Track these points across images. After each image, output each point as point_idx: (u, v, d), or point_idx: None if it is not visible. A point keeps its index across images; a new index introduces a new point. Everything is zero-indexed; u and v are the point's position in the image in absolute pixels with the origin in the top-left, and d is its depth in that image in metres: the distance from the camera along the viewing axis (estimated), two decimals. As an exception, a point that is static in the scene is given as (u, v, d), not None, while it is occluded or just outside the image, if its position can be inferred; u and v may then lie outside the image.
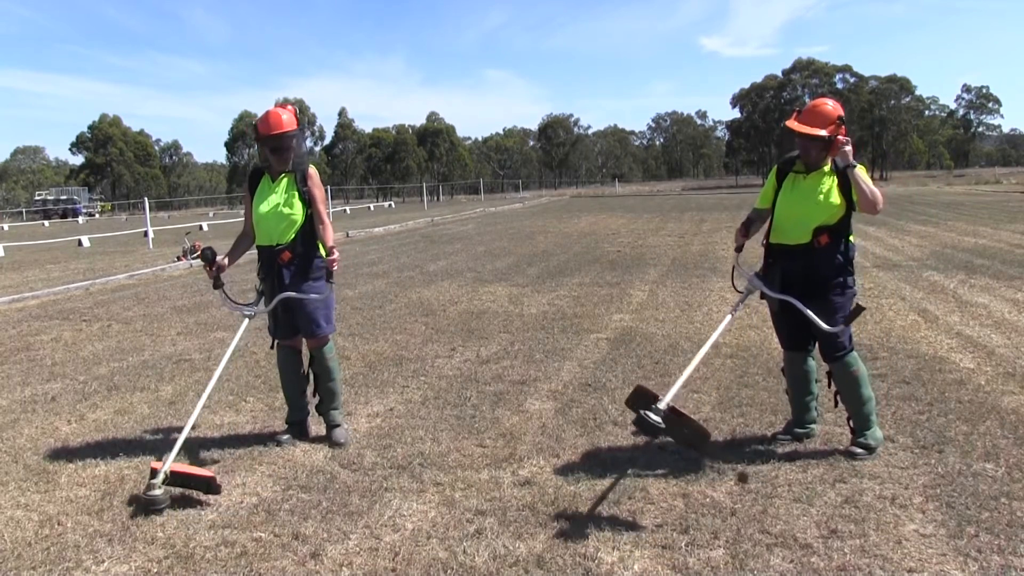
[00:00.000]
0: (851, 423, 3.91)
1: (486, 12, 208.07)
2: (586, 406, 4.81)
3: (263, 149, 4.17)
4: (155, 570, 2.94)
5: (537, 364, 5.95)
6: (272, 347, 4.49)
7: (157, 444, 4.39)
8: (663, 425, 3.29)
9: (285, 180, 4.23)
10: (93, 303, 10.12)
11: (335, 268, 4.14)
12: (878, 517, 3.18)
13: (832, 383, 3.94)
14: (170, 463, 3.52)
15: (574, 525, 3.19)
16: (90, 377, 6.01)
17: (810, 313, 3.71)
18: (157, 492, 3.41)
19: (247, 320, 4.18)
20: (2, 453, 4.33)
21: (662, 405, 3.35)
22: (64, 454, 4.26)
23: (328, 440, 4.30)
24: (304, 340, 4.39)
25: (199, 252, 4.08)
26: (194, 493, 3.55)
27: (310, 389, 4.45)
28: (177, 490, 3.53)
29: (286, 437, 4.32)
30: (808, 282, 3.79)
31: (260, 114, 4.21)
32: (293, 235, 4.18)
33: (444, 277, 11.44)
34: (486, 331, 7.28)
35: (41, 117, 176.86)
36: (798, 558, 2.87)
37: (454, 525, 3.23)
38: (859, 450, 3.79)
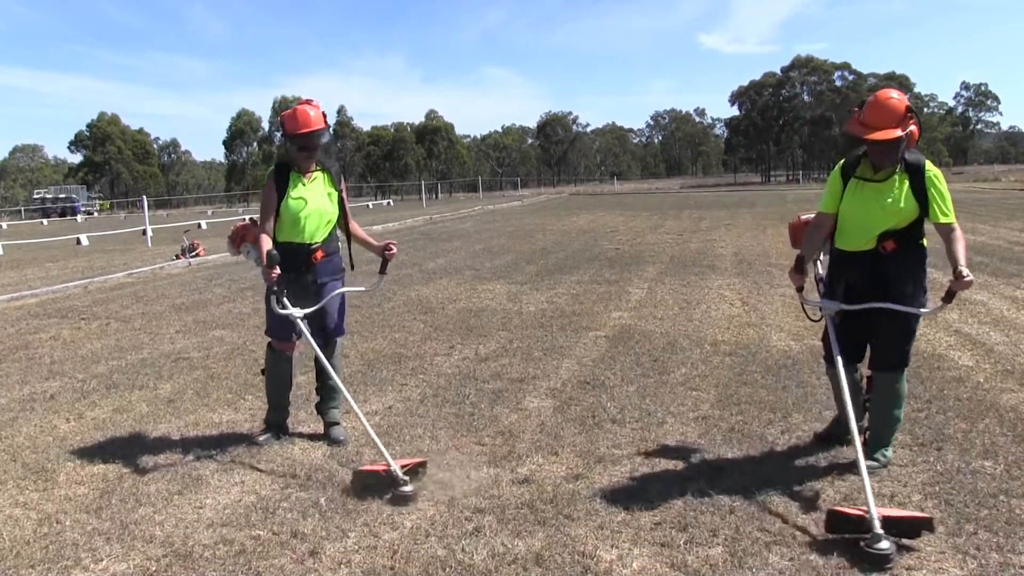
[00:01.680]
0: (866, 435, 3.70)
1: (486, 10, 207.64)
2: (585, 404, 4.81)
3: (291, 146, 4.10)
4: (153, 568, 2.94)
5: (536, 362, 5.95)
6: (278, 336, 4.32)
7: (155, 443, 4.39)
8: (893, 549, 2.80)
9: (320, 178, 4.19)
10: (92, 301, 10.11)
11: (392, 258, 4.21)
12: (877, 515, 3.17)
13: (869, 390, 3.73)
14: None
15: (573, 523, 3.19)
16: (89, 375, 6.01)
17: (899, 307, 3.42)
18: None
19: (303, 322, 4.00)
20: (1, 451, 4.33)
21: (877, 526, 2.86)
22: (63, 452, 4.26)
23: (327, 438, 4.29)
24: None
25: (268, 254, 3.87)
26: None
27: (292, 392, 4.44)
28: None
29: (263, 437, 4.28)
30: (873, 291, 3.50)
31: (288, 111, 4.07)
32: (328, 234, 4.20)
33: (443, 275, 11.44)
34: (485, 329, 7.28)
35: (40, 115, 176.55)
36: (797, 556, 2.87)
37: (453, 523, 3.23)
38: (872, 463, 3.52)
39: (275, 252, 3.89)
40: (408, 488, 3.44)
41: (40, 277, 13.10)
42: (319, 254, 4.15)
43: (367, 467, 3.65)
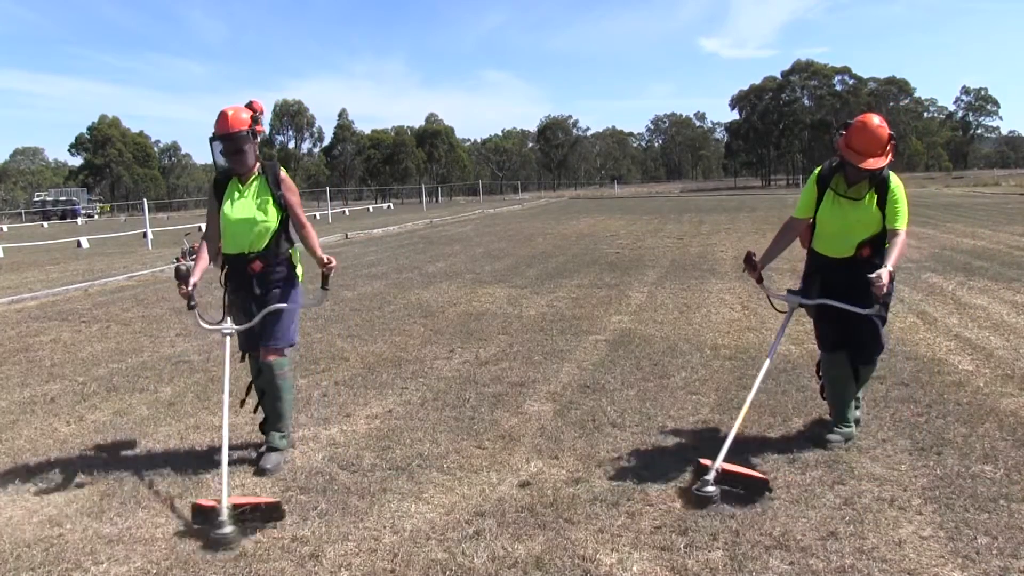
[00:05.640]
0: (832, 415, 4.17)
1: (485, 13, 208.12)
2: (585, 408, 4.82)
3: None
4: (154, 571, 2.94)
5: (536, 366, 5.95)
6: (243, 359, 4.21)
7: (156, 446, 4.39)
8: (716, 493, 3.37)
9: (256, 183, 3.94)
10: (92, 304, 10.11)
11: (331, 273, 3.91)
12: (877, 519, 3.18)
13: (818, 371, 4.29)
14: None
15: (573, 526, 3.20)
16: (89, 378, 6.01)
17: (846, 306, 3.82)
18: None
19: (228, 338, 3.83)
20: (1, 454, 4.33)
21: (711, 475, 3.44)
22: (63, 455, 4.26)
23: (256, 461, 3.97)
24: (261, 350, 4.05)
25: (175, 269, 3.74)
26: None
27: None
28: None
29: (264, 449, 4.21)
30: (850, 291, 3.84)
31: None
32: (266, 243, 3.92)
33: (443, 278, 11.45)
34: (485, 333, 7.29)
35: (40, 118, 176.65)
36: (797, 560, 2.87)
37: (453, 526, 3.23)
38: (835, 437, 4.00)
39: (183, 267, 3.72)
40: (226, 531, 3.12)
41: (40, 280, 13.11)
42: (256, 265, 3.90)
43: (201, 501, 3.38)
